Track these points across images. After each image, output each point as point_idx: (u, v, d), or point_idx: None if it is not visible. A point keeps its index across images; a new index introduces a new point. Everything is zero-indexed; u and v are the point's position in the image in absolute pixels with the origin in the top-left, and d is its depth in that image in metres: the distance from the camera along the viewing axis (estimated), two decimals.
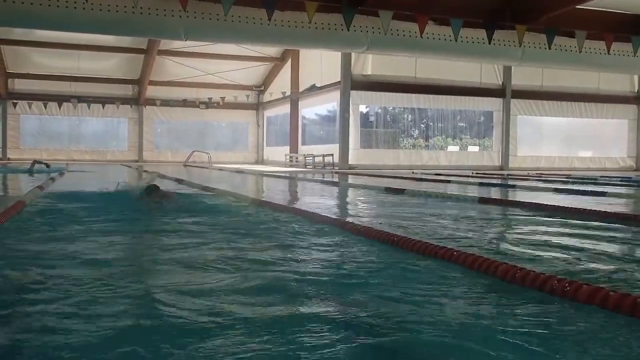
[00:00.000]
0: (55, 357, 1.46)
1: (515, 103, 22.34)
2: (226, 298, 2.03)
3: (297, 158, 23.61)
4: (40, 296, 2.02)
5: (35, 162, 14.01)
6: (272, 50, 25.37)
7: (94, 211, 4.67)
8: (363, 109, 21.65)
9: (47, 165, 13.95)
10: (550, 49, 14.91)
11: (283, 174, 14.51)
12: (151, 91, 27.13)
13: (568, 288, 2.04)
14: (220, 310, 1.87)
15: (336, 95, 20.75)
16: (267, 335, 1.63)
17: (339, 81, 20.18)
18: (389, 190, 8.03)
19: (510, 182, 11.47)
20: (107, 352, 1.48)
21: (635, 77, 23.69)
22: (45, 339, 1.57)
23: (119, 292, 2.08)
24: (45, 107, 26.15)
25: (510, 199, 7.59)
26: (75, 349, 1.50)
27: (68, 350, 1.49)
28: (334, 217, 4.68)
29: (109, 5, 12.26)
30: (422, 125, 23.56)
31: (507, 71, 21.76)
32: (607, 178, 13.49)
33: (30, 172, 12.81)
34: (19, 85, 26.21)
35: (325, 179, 12.34)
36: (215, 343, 1.56)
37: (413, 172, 16.30)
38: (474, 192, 8.42)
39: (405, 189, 7.96)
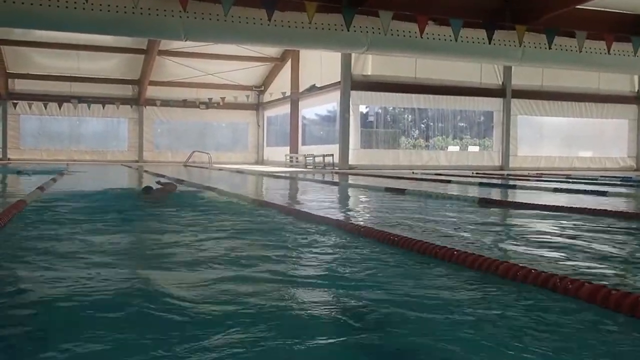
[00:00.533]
0: (55, 356, 1.46)
1: (515, 103, 22.34)
2: (223, 296, 2.03)
3: (297, 158, 23.60)
4: (41, 294, 2.02)
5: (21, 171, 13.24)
6: (272, 51, 25.37)
7: (93, 210, 4.67)
8: (363, 109, 21.66)
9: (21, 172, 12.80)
10: (550, 49, 14.92)
11: (283, 174, 14.51)
12: (151, 91, 27.13)
13: (570, 286, 2.04)
14: (216, 308, 1.87)
15: (336, 95, 20.75)
16: (263, 334, 1.63)
17: (339, 81, 20.18)
18: (390, 191, 8.03)
19: (511, 182, 11.47)
20: (107, 350, 1.48)
21: (636, 77, 23.69)
22: (46, 338, 1.57)
23: (119, 290, 2.09)
24: (46, 108, 26.15)
25: (510, 199, 7.59)
26: (74, 347, 1.51)
27: (68, 348, 1.50)
28: (333, 217, 4.68)
29: (108, 5, 12.26)
30: (422, 126, 23.56)
31: (507, 71, 21.76)
32: (607, 178, 13.49)
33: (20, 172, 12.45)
34: (19, 85, 26.21)
35: (325, 179, 12.34)
36: (213, 340, 1.56)
37: (413, 172, 16.30)
38: (474, 192, 8.42)
39: (405, 189, 7.96)
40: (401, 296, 2.06)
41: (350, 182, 11.17)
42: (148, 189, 6.11)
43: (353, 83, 20.04)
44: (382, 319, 1.80)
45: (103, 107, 26.65)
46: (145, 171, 15.67)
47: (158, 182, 6.39)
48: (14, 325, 1.70)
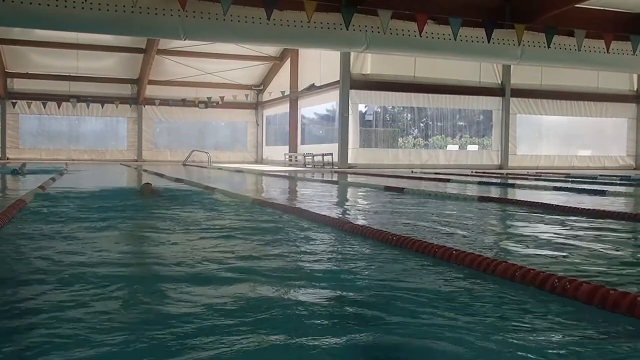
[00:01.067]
0: (59, 349, 1.46)
1: (514, 102, 22.35)
2: (221, 292, 2.03)
3: (296, 157, 23.60)
4: (45, 292, 2.02)
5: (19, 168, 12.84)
6: (271, 50, 25.37)
7: (94, 210, 4.67)
8: (362, 108, 21.66)
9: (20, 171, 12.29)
10: (549, 47, 14.93)
11: (282, 174, 14.50)
12: (150, 90, 27.11)
13: (568, 286, 2.04)
14: (214, 303, 1.87)
15: (335, 94, 20.75)
16: (260, 331, 1.63)
17: (338, 80, 20.18)
18: (389, 190, 8.03)
19: (510, 181, 11.46)
20: (108, 343, 1.48)
21: (635, 76, 23.69)
22: (51, 333, 1.57)
23: (120, 285, 2.09)
24: (45, 107, 26.12)
25: (508, 197, 7.59)
26: (77, 340, 1.51)
27: (71, 341, 1.50)
28: (331, 215, 4.68)
29: (107, 4, 12.25)
30: (422, 125, 23.57)
31: (506, 70, 21.77)
32: (606, 177, 13.49)
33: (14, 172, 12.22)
34: (17, 84, 26.19)
35: (324, 178, 12.34)
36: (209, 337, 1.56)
37: (412, 172, 16.30)
38: (473, 191, 8.42)
39: (404, 188, 7.96)
40: (401, 295, 2.06)
41: (349, 180, 11.17)
42: (147, 184, 6.70)
43: (352, 82, 20.04)
44: (379, 316, 1.80)
45: (102, 107, 26.64)
46: (145, 170, 15.66)
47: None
48: (12, 326, 1.70)
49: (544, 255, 3.03)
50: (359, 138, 20.89)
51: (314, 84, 22.98)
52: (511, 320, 1.80)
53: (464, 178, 11.98)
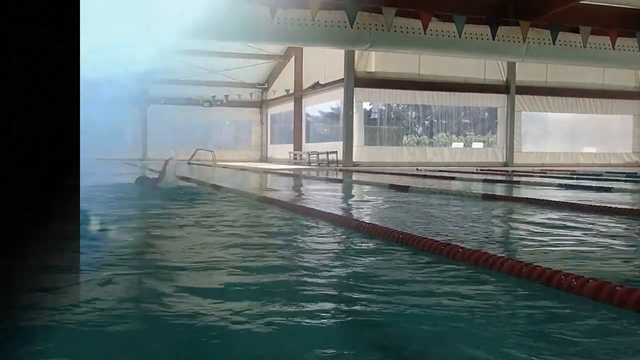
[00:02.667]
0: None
1: (519, 99, 22.28)
2: (222, 288, 2.04)
3: (301, 156, 23.61)
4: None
5: None
6: (275, 48, 25.36)
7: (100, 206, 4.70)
8: (366, 106, 21.64)
9: None
10: (554, 44, 14.91)
11: (287, 172, 14.51)
12: (154, 89, 27.14)
13: (575, 283, 2.04)
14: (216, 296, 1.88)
15: (340, 92, 20.74)
16: (264, 313, 1.64)
17: (343, 78, 20.17)
18: (394, 187, 8.04)
19: (515, 179, 11.44)
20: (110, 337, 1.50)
21: None
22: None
23: (123, 280, 2.10)
24: None
25: (513, 194, 7.58)
26: (84, 329, 1.52)
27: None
28: (336, 213, 4.69)
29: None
30: (426, 122, 23.53)
31: (511, 67, 21.70)
32: (612, 174, 13.44)
33: None
34: None
35: (329, 177, 12.34)
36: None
37: (417, 169, 16.28)
38: (478, 188, 8.41)
39: (409, 186, 7.95)
40: (406, 296, 2.07)
41: (354, 179, 11.18)
42: (140, 180, 6.86)
43: (356, 80, 20.03)
44: (382, 317, 1.81)
45: None
46: (150, 169, 15.67)
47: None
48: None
49: (547, 252, 3.03)
50: (363, 136, 20.87)
51: (318, 82, 22.98)
52: (520, 320, 1.80)
53: (468, 176, 11.96)
